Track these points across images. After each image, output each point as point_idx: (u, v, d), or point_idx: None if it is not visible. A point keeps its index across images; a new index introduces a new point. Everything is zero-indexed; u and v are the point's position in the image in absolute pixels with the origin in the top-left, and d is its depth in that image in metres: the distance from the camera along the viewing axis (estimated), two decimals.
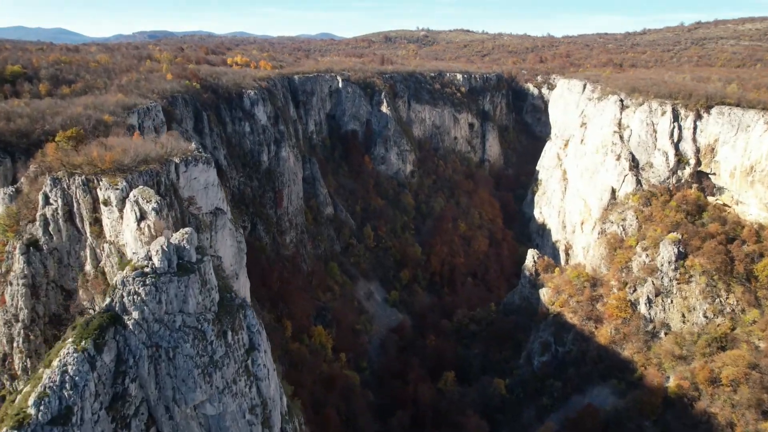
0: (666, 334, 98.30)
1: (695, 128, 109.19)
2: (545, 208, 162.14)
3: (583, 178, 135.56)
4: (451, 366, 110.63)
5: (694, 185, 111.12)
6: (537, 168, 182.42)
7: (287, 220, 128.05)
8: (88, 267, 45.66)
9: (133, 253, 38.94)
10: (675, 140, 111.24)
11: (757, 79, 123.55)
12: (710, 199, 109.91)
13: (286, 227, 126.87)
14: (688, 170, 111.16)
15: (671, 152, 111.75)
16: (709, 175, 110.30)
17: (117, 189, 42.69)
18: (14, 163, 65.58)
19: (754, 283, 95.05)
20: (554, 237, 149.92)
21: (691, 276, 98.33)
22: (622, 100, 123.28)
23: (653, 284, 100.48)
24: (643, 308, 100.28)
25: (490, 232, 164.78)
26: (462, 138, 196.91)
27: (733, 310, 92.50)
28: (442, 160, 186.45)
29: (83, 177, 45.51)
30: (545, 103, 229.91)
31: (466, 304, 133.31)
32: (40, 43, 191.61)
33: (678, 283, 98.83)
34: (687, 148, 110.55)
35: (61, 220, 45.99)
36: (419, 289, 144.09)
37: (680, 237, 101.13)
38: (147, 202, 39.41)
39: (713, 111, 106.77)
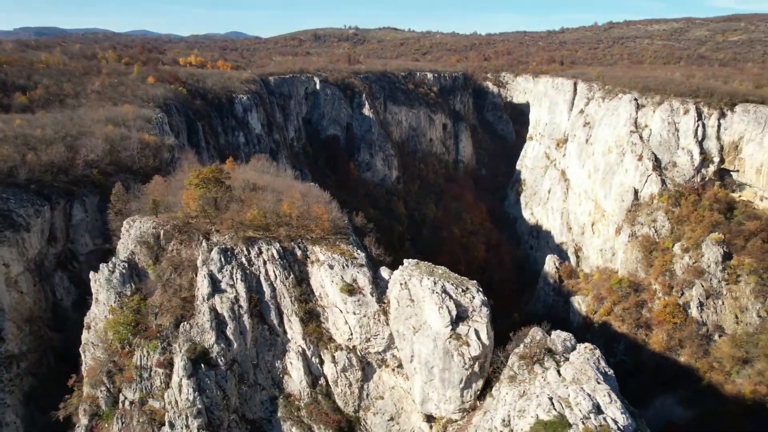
0: (720, 336, 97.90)
1: (719, 126, 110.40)
2: (538, 209, 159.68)
3: (592, 179, 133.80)
4: None
5: (716, 183, 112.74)
6: (518, 168, 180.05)
7: None
8: (293, 386, 30.36)
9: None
10: (699, 139, 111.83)
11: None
12: (733, 195, 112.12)
13: None
14: (712, 168, 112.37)
15: (696, 151, 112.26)
16: (732, 173, 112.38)
17: (367, 268, 28.18)
18: (52, 210, 46.28)
19: None
20: (558, 239, 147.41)
21: (739, 276, 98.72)
22: (636, 99, 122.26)
23: (702, 286, 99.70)
24: (695, 312, 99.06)
25: (486, 237, 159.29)
26: (437, 139, 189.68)
27: None
28: (422, 164, 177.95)
29: (277, 246, 30.21)
30: (504, 102, 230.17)
31: None
32: None
33: (727, 284, 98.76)
34: (711, 146, 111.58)
35: (245, 316, 30.24)
36: None
37: (723, 237, 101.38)
38: (462, 293, 25.76)
39: (738, 109, 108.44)
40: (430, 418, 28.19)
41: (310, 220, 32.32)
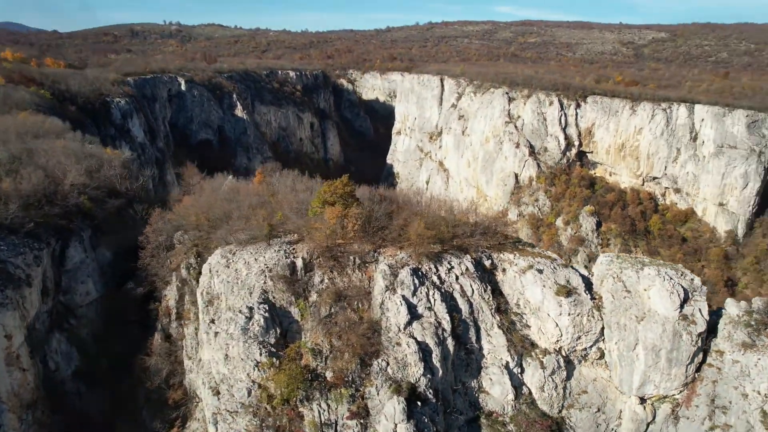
0: None
1: (577, 115, 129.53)
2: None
3: (472, 167, 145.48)
4: None
5: (578, 163, 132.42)
6: (389, 162, 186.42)
7: None
8: (494, 403, 28.02)
9: None
10: (563, 126, 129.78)
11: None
12: (591, 173, 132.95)
13: None
14: (574, 151, 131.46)
15: (561, 137, 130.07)
16: (587, 154, 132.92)
17: None
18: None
19: (649, 236, 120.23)
20: None
21: (609, 239, 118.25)
22: (507, 93, 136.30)
23: (584, 252, 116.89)
24: None
25: None
26: (306, 138, 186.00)
27: None
28: (297, 164, 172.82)
29: (469, 259, 27.76)
30: (359, 98, 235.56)
31: None
32: None
33: (601, 248, 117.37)
34: (572, 132, 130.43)
35: (449, 339, 27.03)
36: None
37: (593, 209, 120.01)
38: (681, 276, 26.97)
39: (589, 100, 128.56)
40: (642, 400, 29.11)
41: (481, 228, 29.90)
